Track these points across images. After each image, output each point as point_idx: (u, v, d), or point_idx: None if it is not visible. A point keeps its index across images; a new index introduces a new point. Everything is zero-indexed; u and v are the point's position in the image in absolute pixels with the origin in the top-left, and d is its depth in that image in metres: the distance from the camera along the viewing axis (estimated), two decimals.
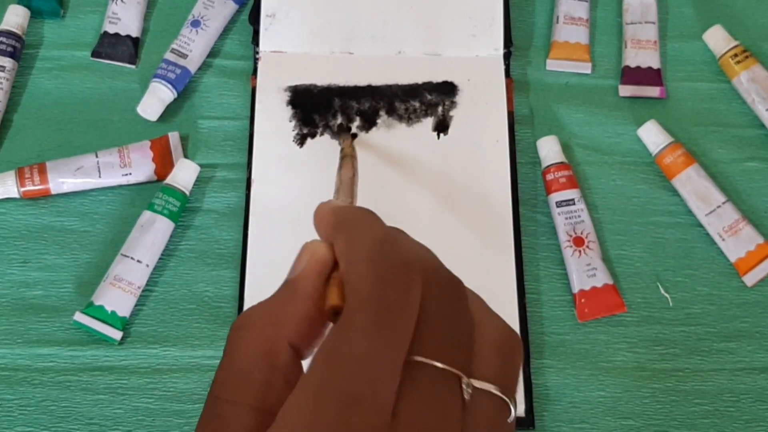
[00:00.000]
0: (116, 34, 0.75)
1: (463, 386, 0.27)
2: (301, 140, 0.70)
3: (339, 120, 0.70)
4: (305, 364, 0.28)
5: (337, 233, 0.31)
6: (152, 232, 0.66)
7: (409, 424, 0.26)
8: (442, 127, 0.71)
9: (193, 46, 0.73)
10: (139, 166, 0.69)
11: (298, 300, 0.29)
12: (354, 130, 0.70)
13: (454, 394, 0.27)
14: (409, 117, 0.71)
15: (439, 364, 0.27)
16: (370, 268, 0.28)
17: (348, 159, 0.62)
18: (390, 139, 0.70)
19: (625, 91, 0.74)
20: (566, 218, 0.68)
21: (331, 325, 0.29)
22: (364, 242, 0.29)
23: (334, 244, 0.31)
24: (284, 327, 0.29)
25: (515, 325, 0.64)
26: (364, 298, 0.27)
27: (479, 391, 0.28)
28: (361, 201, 0.69)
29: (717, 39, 0.75)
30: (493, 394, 0.28)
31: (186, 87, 0.73)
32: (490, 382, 0.28)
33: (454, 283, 0.30)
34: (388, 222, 0.71)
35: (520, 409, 0.62)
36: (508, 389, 0.29)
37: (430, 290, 0.28)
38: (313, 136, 0.70)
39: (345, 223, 0.31)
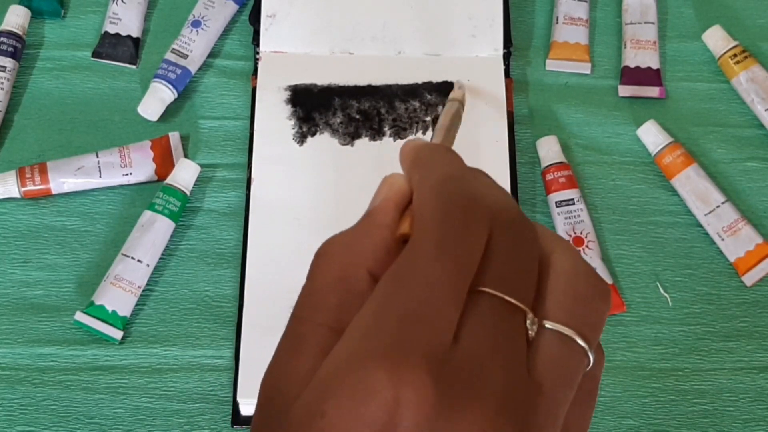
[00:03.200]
0: (117, 35, 0.75)
1: (528, 322, 0.27)
2: (301, 138, 0.70)
3: (339, 119, 0.71)
4: None
5: (414, 168, 0.32)
6: (153, 232, 0.66)
7: (469, 349, 0.26)
8: None
9: (193, 46, 0.74)
10: (140, 166, 0.69)
11: (375, 229, 0.30)
12: (364, 137, 0.70)
13: (517, 327, 0.27)
14: (411, 122, 0.71)
15: (503, 296, 0.27)
16: (436, 198, 0.29)
17: (453, 104, 0.61)
18: (390, 140, 0.70)
19: (625, 91, 0.74)
20: (566, 218, 0.68)
21: None
22: (435, 176, 0.30)
23: (411, 178, 0.31)
24: (361, 254, 0.30)
25: None
26: (429, 226, 0.28)
27: (551, 331, 0.28)
28: (360, 201, 0.69)
29: (716, 39, 0.75)
30: (567, 337, 0.28)
31: (186, 87, 0.73)
32: (565, 325, 0.28)
33: (524, 223, 0.30)
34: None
35: None
36: (585, 335, 0.29)
37: (498, 226, 0.28)
38: (313, 134, 0.70)
39: (423, 159, 0.32)
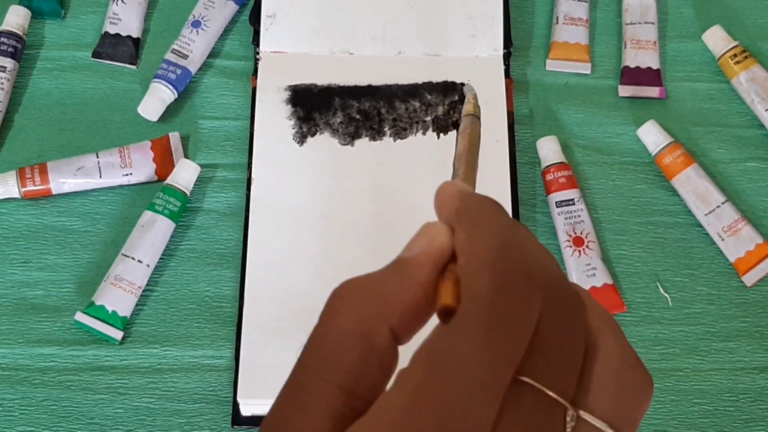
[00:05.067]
0: (117, 35, 0.75)
1: (567, 418, 0.26)
2: (301, 138, 0.70)
3: (339, 119, 0.71)
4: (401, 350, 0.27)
5: (460, 223, 0.28)
6: (153, 232, 0.66)
7: None
8: (442, 127, 0.71)
9: (193, 46, 0.74)
10: (140, 167, 0.69)
11: (408, 284, 0.27)
12: (364, 137, 0.70)
13: (557, 422, 0.25)
14: (411, 122, 0.71)
15: (547, 391, 0.25)
16: (490, 273, 0.26)
17: (469, 120, 0.59)
18: (390, 140, 0.70)
19: (625, 91, 0.74)
20: (566, 218, 0.68)
21: (434, 317, 0.27)
22: (487, 241, 0.27)
23: (455, 234, 0.28)
24: (388, 309, 0.27)
25: None
26: (481, 305, 0.25)
27: (588, 425, 0.26)
28: (361, 201, 0.69)
29: (716, 39, 0.75)
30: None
31: (186, 87, 0.73)
32: (601, 418, 0.26)
33: (574, 301, 0.27)
34: (389, 224, 0.71)
35: None
36: (621, 430, 0.26)
37: (548, 307, 0.26)
38: (313, 134, 0.70)
39: (469, 213, 0.29)
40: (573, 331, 0.27)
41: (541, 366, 0.25)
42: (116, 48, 0.75)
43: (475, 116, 0.60)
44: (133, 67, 0.75)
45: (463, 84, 0.72)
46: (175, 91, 0.72)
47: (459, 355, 0.24)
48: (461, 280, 0.26)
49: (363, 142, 0.70)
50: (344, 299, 0.27)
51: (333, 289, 0.27)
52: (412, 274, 0.27)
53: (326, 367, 0.26)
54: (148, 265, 0.65)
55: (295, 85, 0.72)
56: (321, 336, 0.26)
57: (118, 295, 0.64)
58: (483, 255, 0.26)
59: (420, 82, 0.72)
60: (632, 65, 0.75)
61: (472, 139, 0.54)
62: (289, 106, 0.71)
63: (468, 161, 0.49)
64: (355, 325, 0.26)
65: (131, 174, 0.69)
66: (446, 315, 0.26)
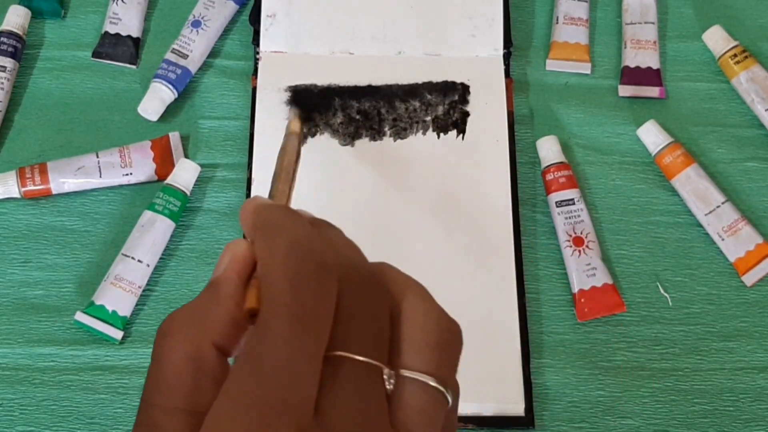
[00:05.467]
0: (117, 35, 0.75)
1: (385, 377, 0.28)
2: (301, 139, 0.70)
3: (340, 119, 0.71)
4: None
5: (256, 234, 0.31)
6: (153, 232, 0.66)
7: (332, 418, 0.26)
8: (442, 127, 0.71)
9: (193, 46, 0.74)
10: (140, 166, 0.69)
11: (220, 301, 0.30)
12: (364, 137, 0.70)
13: (376, 385, 0.28)
14: (411, 122, 0.71)
15: (357, 357, 0.27)
16: (283, 271, 0.28)
17: (292, 138, 0.59)
18: (390, 140, 0.70)
19: (625, 91, 0.74)
20: (566, 218, 0.68)
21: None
22: (278, 244, 0.29)
23: (255, 244, 0.31)
24: (208, 330, 0.29)
25: (515, 325, 0.64)
26: (278, 302, 0.27)
27: (409, 380, 0.28)
28: (361, 202, 0.69)
29: (716, 39, 0.75)
30: (425, 383, 0.29)
31: (186, 87, 0.73)
32: (421, 371, 0.28)
33: (372, 279, 0.30)
34: (389, 224, 0.71)
35: (519, 409, 0.62)
36: (443, 379, 0.29)
37: (347, 287, 0.28)
38: (313, 135, 0.70)
39: (263, 223, 0.31)
40: (375, 304, 0.29)
41: (349, 339, 0.28)
42: (116, 48, 0.75)
43: (294, 133, 0.60)
44: (133, 66, 0.75)
45: (462, 84, 0.72)
46: (175, 91, 0.72)
47: (267, 349, 0.26)
48: (260, 283, 0.29)
49: (363, 142, 0.70)
50: (168, 333, 0.29)
51: (158, 329, 0.30)
52: (221, 291, 0.30)
53: (166, 396, 0.28)
54: (148, 265, 0.65)
55: (295, 86, 0.72)
56: (155, 371, 0.29)
57: (118, 294, 0.64)
58: (274, 256, 0.29)
59: (420, 82, 0.72)
60: (632, 65, 0.75)
61: (291, 156, 0.55)
62: (289, 107, 0.71)
63: (285, 179, 0.51)
64: (182, 351, 0.28)
65: (131, 174, 0.69)
66: (254, 317, 0.29)
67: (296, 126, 0.61)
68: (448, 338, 0.31)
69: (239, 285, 0.30)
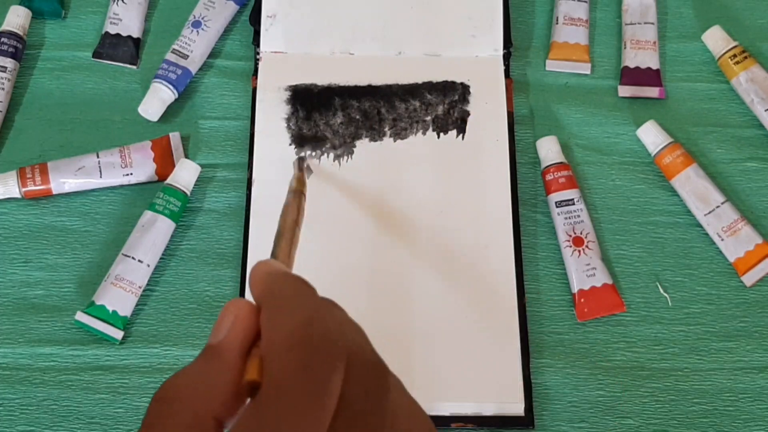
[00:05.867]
0: (117, 35, 0.75)
1: None
2: (300, 140, 0.70)
3: (339, 119, 0.71)
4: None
5: (264, 304, 0.30)
6: (153, 232, 0.66)
7: None
8: (442, 127, 0.71)
9: (193, 46, 0.74)
10: (140, 166, 0.69)
11: (223, 371, 0.29)
12: (364, 138, 0.70)
13: None
14: (411, 122, 0.71)
15: None
16: (288, 351, 0.27)
17: (295, 196, 0.58)
18: (390, 140, 0.70)
19: (625, 91, 0.74)
20: (566, 218, 0.68)
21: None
22: (286, 321, 0.28)
23: (261, 314, 0.30)
24: (209, 400, 0.28)
25: (515, 325, 0.64)
26: (280, 383, 0.26)
27: None
28: (361, 202, 0.69)
29: (716, 39, 0.75)
30: None
31: (187, 87, 0.73)
32: None
33: (378, 371, 0.29)
34: (389, 224, 0.71)
35: (519, 409, 0.62)
36: None
37: (352, 376, 0.27)
38: (314, 134, 0.70)
39: (272, 294, 0.30)
40: (378, 398, 0.28)
41: (349, 429, 0.26)
42: (117, 48, 0.75)
43: (300, 192, 0.59)
44: (134, 67, 0.75)
45: (462, 84, 0.72)
46: (175, 91, 0.72)
47: (262, 430, 0.25)
48: (263, 359, 0.27)
49: (363, 143, 0.70)
50: (165, 401, 0.28)
51: (154, 394, 0.29)
52: (223, 359, 0.29)
53: None
54: (148, 265, 0.65)
55: (295, 86, 0.72)
56: None
57: (119, 294, 0.64)
58: (279, 334, 0.27)
59: (420, 81, 0.72)
60: (632, 65, 0.75)
61: (293, 216, 0.54)
62: (289, 106, 0.71)
63: (287, 239, 0.50)
64: (179, 422, 0.27)
65: (131, 174, 0.69)
66: (254, 390, 0.27)
67: (299, 184, 0.61)
68: None
69: (243, 353, 0.29)
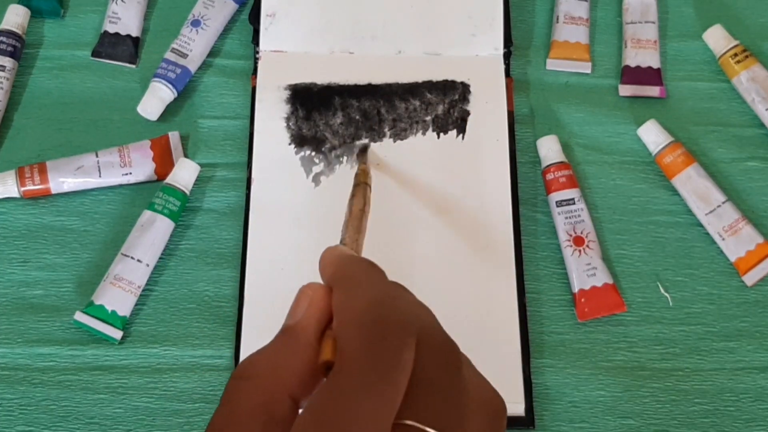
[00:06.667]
0: (116, 34, 0.75)
1: None
2: (300, 140, 0.70)
3: (339, 118, 0.70)
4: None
5: (335, 286, 0.31)
6: (152, 232, 0.66)
7: None
8: (442, 126, 0.71)
9: (193, 45, 0.73)
10: (140, 166, 0.69)
11: (299, 350, 0.29)
12: (364, 138, 0.70)
13: None
14: (411, 121, 0.71)
15: (429, 430, 0.27)
16: (359, 329, 0.28)
17: (361, 187, 0.59)
18: (390, 140, 0.70)
19: (625, 90, 0.74)
20: (566, 218, 0.68)
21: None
22: (357, 301, 0.29)
23: (333, 295, 0.30)
24: (285, 378, 0.29)
25: (515, 325, 0.64)
26: (352, 361, 0.27)
27: None
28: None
29: (717, 38, 0.75)
30: None
31: (186, 86, 0.73)
32: None
33: (449, 347, 0.30)
34: (389, 224, 0.71)
35: (519, 409, 0.62)
36: None
37: (424, 353, 0.28)
38: (314, 134, 0.70)
39: (344, 276, 0.31)
40: (451, 374, 0.29)
41: (422, 408, 0.27)
42: (116, 47, 0.75)
43: (365, 184, 0.61)
44: (133, 66, 0.75)
45: (463, 83, 0.72)
46: (174, 91, 0.72)
47: (336, 408, 0.26)
48: (336, 338, 0.28)
49: (363, 143, 0.70)
50: (244, 378, 0.29)
51: (234, 371, 0.29)
52: (300, 339, 0.30)
53: None
54: (147, 265, 0.65)
55: (295, 85, 0.72)
56: (226, 414, 0.28)
57: (118, 294, 0.64)
58: (351, 313, 0.28)
59: (420, 81, 0.72)
60: (632, 64, 0.75)
61: (359, 205, 0.56)
62: (289, 106, 0.71)
63: (354, 226, 0.51)
64: (256, 398, 0.28)
65: (131, 173, 0.69)
66: (328, 370, 0.28)
67: (363, 176, 0.62)
68: (500, 414, 0.30)
69: (318, 334, 0.30)
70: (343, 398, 0.26)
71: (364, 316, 0.28)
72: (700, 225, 0.69)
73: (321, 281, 0.33)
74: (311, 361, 0.29)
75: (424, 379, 0.27)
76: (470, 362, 0.31)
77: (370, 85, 0.72)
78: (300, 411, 0.29)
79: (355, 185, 0.60)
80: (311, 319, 0.30)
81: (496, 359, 0.63)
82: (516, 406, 0.62)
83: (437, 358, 0.28)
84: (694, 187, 0.69)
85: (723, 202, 0.68)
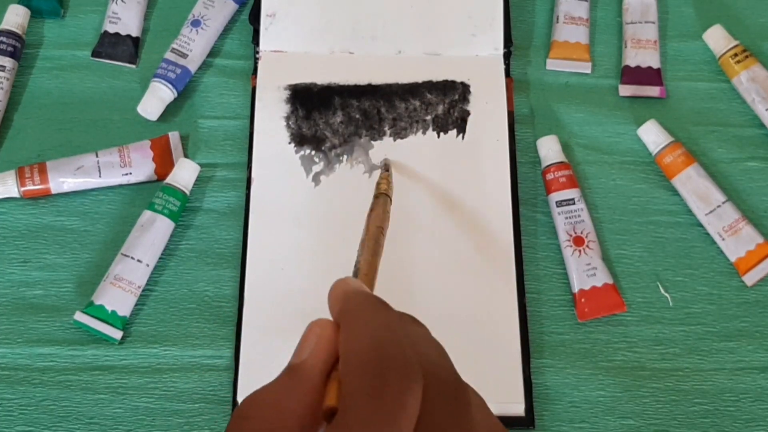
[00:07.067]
0: (116, 34, 0.75)
1: None
2: (300, 139, 0.70)
3: (339, 118, 0.70)
4: None
5: (341, 324, 0.30)
6: (152, 232, 0.66)
7: None
8: (442, 126, 0.71)
9: (193, 45, 0.73)
10: (140, 166, 0.69)
11: (304, 392, 0.29)
12: (364, 138, 0.70)
13: None
14: (411, 121, 0.71)
15: None
16: (361, 373, 0.27)
17: (381, 200, 0.58)
18: (390, 139, 0.70)
19: (625, 90, 0.74)
20: (566, 218, 0.68)
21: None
22: (362, 343, 0.28)
23: (339, 335, 0.30)
24: (288, 421, 0.28)
25: (515, 325, 0.64)
26: (354, 406, 0.26)
27: None
28: (359, 202, 0.69)
29: (717, 38, 0.75)
30: None
31: (186, 86, 0.73)
32: None
33: (458, 388, 0.29)
34: (389, 225, 0.70)
35: (519, 409, 0.62)
36: None
37: (431, 395, 0.27)
38: (314, 134, 0.70)
39: (349, 314, 0.30)
40: (459, 418, 0.28)
41: None
42: (116, 47, 0.75)
43: (386, 196, 0.60)
44: (133, 66, 0.75)
45: (463, 83, 0.72)
46: (174, 91, 0.72)
47: None
48: (340, 381, 0.27)
49: (363, 142, 0.70)
50: (247, 418, 0.28)
51: (236, 408, 0.29)
52: (304, 382, 0.29)
53: None
54: (147, 265, 0.65)
55: (295, 85, 0.72)
56: None
57: (118, 294, 0.64)
58: (355, 356, 0.27)
59: (420, 81, 0.72)
60: (633, 64, 0.75)
61: (377, 222, 0.54)
62: (289, 106, 0.71)
63: (370, 248, 0.50)
64: None
65: (131, 173, 0.69)
66: (332, 416, 0.27)
67: (387, 186, 0.61)
68: None
69: (323, 375, 0.29)
70: None
71: (365, 359, 0.27)
72: (700, 225, 0.69)
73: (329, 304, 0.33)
74: (315, 404, 0.28)
75: (430, 423, 0.27)
76: (482, 403, 0.30)
77: (370, 85, 0.72)
78: None
79: (375, 196, 0.60)
80: (317, 359, 0.29)
81: (496, 359, 0.63)
82: (516, 406, 0.62)
83: (443, 400, 0.27)
84: (694, 187, 0.69)
85: (723, 202, 0.68)
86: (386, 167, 0.67)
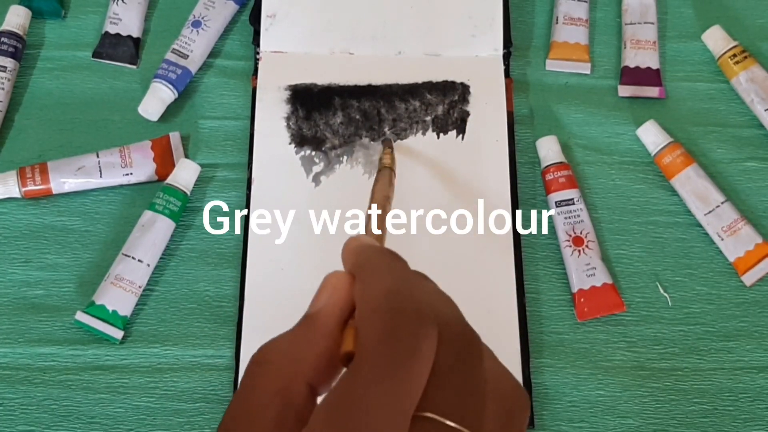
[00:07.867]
0: (117, 35, 0.75)
1: None
2: (300, 140, 0.70)
3: (339, 118, 0.71)
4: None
5: (357, 275, 0.31)
6: (153, 232, 0.66)
7: None
8: (441, 127, 0.71)
9: (193, 46, 0.74)
10: (140, 166, 0.69)
11: (318, 339, 0.29)
12: (364, 138, 0.70)
13: None
14: (411, 121, 0.71)
15: (449, 423, 0.26)
16: (379, 318, 0.27)
17: (385, 172, 0.60)
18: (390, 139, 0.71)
19: (625, 91, 0.74)
20: (566, 218, 0.68)
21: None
22: (378, 290, 0.28)
23: (355, 285, 0.30)
24: (303, 365, 0.29)
25: (515, 325, 0.64)
26: (373, 349, 0.26)
27: None
28: (359, 202, 0.69)
29: (716, 39, 0.75)
30: None
31: (187, 87, 0.73)
32: None
33: (471, 338, 0.29)
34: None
35: None
36: None
37: (445, 343, 0.28)
38: (314, 134, 0.70)
39: (364, 266, 0.31)
40: (472, 365, 0.28)
41: (442, 400, 0.26)
42: (116, 48, 0.75)
43: (390, 168, 0.61)
44: (134, 66, 0.75)
45: (462, 84, 0.72)
46: (175, 91, 0.72)
47: (356, 399, 0.25)
48: (357, 328, 0.28)
49: (363, 143, 0.70)
50: (262, 364, 0.29)
51: (252, 355, 0.29)
52: (319, 328, 0.29)
53: (247, 425, 0.27)
54: (148, 265, 0.65)
55: (295, 85, 0.72)
56: (242, 398, 0.28)
57: (119, 294, 0.64)
58: (371, 302, 0.28)
59: (420, 81, 0.72)
60: (632, 65, 0.75)
61: (383, 191, 0.56)
62: (289, 106, 0.71)
63: (377, 214, 0.51)
64: (273, 384, 0.28)
65: (131, 174, 0.69)
66: (349, 361, 0.28)
67: (389, 160, 0.62)
68: (522, 407, 0.30)
69: (339, 323, 0.29)
70: (361, 389, 0.26)
71: (381, 306, 0.28)
72: (699, 225, 0.69)
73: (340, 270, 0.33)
74: (330, 350, 0.29)
75: (444, 370, 0.27)
76: (493, 354, 0.31)
77: (370, 85, 0.72)
78: (319, 400, 0.28)
79: (379, 170, 0.60)
80: (333, 308, 0.30)
81: None
82: None
83: (457, 349, 0.28)
84: (693, 187, 0.69)
85: (722, 203, 0.69)
86: (389, 143, 0.68)
